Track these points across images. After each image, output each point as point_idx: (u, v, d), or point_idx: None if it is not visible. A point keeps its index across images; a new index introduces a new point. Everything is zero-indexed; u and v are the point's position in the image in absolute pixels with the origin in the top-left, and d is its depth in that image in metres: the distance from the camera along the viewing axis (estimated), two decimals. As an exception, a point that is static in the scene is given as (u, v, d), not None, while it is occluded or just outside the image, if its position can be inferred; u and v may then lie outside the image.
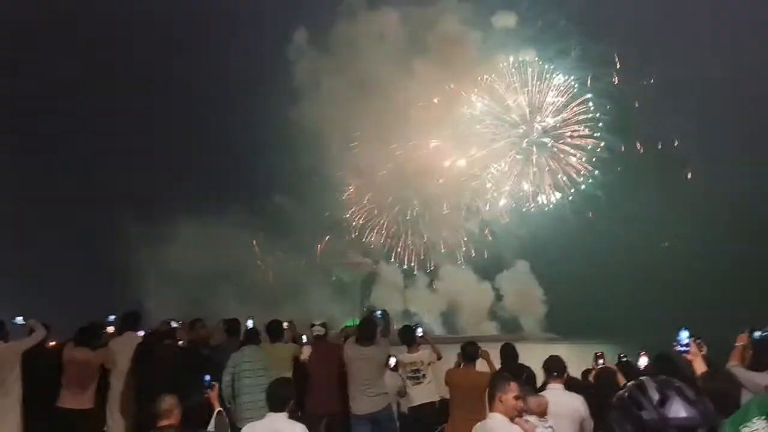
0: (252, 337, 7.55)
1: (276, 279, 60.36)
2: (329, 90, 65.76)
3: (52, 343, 7.70)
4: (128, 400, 6.85)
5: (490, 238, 64.97)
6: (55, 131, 60.65)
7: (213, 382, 5.87)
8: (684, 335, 4.95)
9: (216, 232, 57.75)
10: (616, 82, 60.46)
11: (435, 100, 65.62)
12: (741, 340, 5.78)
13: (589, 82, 61.93)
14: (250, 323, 7.97)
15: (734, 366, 5.40)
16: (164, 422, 4.91)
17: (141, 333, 7.44)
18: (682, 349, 4.95)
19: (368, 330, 7.23)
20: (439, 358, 8.20)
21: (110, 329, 7.62)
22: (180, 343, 7.55)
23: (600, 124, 61.56)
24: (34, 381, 6.85)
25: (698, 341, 5.33)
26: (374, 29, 66.38)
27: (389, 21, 66.54)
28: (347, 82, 65.24)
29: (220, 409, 5.69)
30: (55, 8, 60.27)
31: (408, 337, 8.21)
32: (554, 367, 5.79)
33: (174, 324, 7.40)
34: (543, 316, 60.80)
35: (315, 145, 63.05)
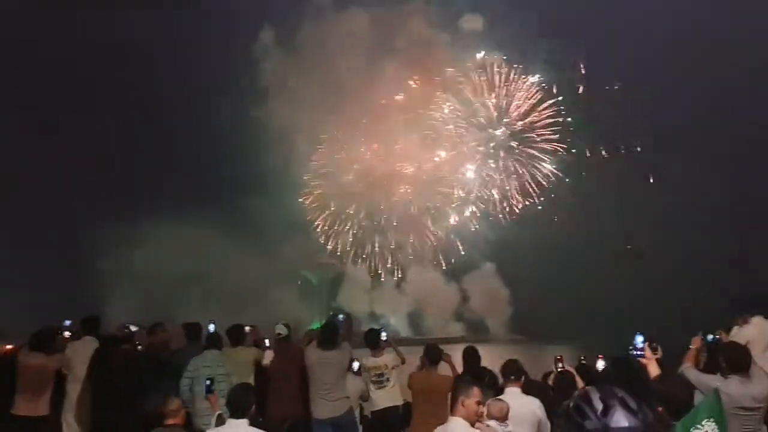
0: (213, 341, 7.47)
1: (242, 281, 59.70)
2: (297, 90, 65.64)
3: (8, 347, 7.51)
4: (84, 407, 6.70)
5: (458, 243, 65.65)
6: (15, 127, 59.16)
7: (213, 387, 6.03)
8: (639, 340, 5.13)
9: (180, 233, 57.00)
10: (581, 89, 61.75)
11: (397, 96, 65.88)
12: (695, 343, 5.96)
13: (555, 88, 63.09)
14: (211, 327, 7.90)
15: (687, 368, 5.55)
16: (170, 421, 5.31)
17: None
18: (637, 353, 5.12)
19: (330, 334, 7.24)
20: (403, 362, 8.25)
21: (66, 334, 7.45)
22: (139, 347, 7.44)
23: (570, 129, 62.73)
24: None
25: (653, 345, 5.51)
26: (342, 30, 66.45)
27: (357, 22, 66.69)
28: (315, 83, 65.16)
29: (221, 412, 5.71)
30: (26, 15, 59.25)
31: (372, 341, 8.24)
32: (511, 371, 5.92)
33: (133, 328, 7.29)
34: (509, 318, 61.51)
35: (282, 146, 63.04)
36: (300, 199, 66.71)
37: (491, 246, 63.79)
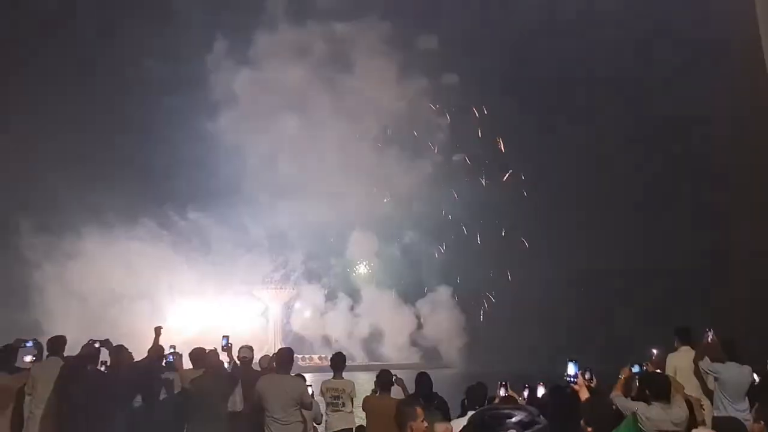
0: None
1: (191, 298, 58.96)
2: (249, 103, 65.17)
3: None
4: (49, 427, 7.12)
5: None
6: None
7: None
8: (571, 367, 5.98)
9: (124, 246, 56.23)
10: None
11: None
12: (624, 373, 6.92)
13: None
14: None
15: (616, 395, 6.48)
16: None
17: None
18: (570, 379, 5.98)
19: (285, 358, 7.74)
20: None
21: (27, 358, 7.76)
22: (102, 368, 7.91)
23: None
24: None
25: (589, 374, 6.45)
26: (296, 42, 66.29)
27: (311, 34, 66.81)
28: (267, 96, 64.86)
29: None
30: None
31: (338, 364, 8.89)
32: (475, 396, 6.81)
33: (96, 344, 7.68)
34: (464, 345, 61.54)
35: (233, 160, 62.55)
36: (254, 212, 65.94)
37: (444, 268, 64.37)
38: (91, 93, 61.21)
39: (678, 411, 6.11)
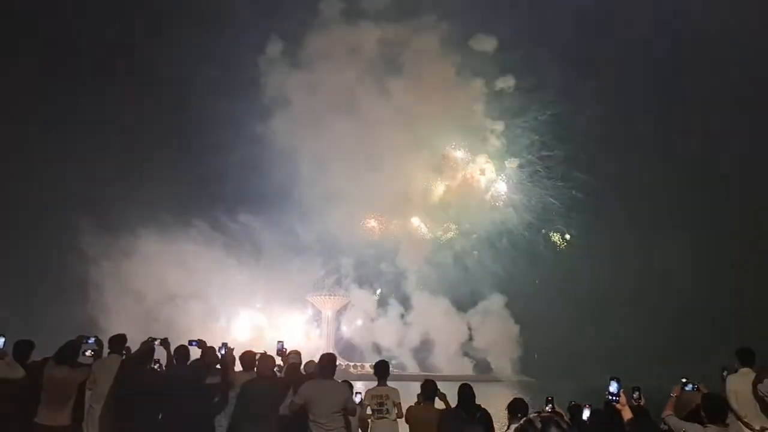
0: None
1: (242, 300, 59.97)
2: (300, 106, 65.64)
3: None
4: (107, 422, 7.60)
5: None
6: (7, 134, 60.29)
7: None
8: (614, 386, 5.98)
9: (178, 247, 57.63)
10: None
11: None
12: (675, 392, 6.85)
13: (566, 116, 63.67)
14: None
15: (668, 416, 6.46)
16: None
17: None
18: (612, 398, 5.98)
19: (327, 363, 7.96)
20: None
21: (89, 352, 8.27)
22: (157, 367, 8.37)
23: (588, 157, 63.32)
24: (13, 396, 7.59)
25: (637, 394, 6.46)
26: (349, 44, 66.40)
27: (364, 36, 66.72)
28: (319, 99, 65.14)
29: None
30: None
31: (382, 372, 9.08)
32: (516, 409, 6.95)
33: (156, 342, 8.07)
34: (517, 357, 60.30)
35: (284, 164, 63.26)
36: (306, 217, 66.48)
37: (498, 278, 63.22)
38: (146, 96, 63.33)
39: (737, 435, 6.03)
